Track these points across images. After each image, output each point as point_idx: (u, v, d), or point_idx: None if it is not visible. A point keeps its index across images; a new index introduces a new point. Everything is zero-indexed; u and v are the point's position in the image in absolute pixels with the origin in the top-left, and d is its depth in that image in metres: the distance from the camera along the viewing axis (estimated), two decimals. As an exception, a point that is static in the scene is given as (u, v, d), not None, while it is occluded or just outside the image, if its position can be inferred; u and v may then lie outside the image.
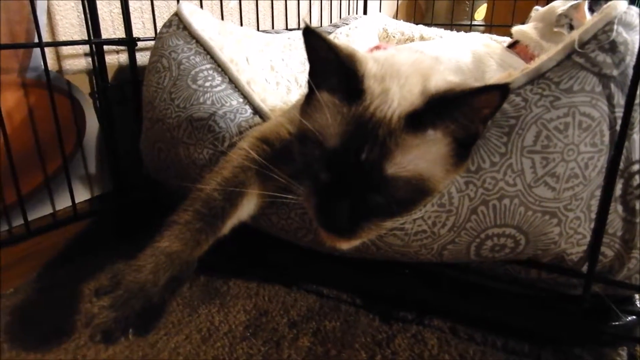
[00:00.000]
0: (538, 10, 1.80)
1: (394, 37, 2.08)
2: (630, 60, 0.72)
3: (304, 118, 0.70)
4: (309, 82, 0.71)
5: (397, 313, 0.94)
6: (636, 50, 0.70)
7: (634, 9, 0.76)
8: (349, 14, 2.37)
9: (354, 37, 1.87)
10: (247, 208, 0.81)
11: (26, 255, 1.06)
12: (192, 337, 0.87)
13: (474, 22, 2.86)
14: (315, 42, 0.67)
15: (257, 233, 0.96)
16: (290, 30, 1.76)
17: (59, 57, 1.13)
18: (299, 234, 0.88)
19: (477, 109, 0.64)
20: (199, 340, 0.86)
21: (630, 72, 0.70)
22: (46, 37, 1.09)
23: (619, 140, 0.71)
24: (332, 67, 0.67)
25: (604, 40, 0.73)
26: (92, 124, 1.22)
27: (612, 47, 0.72)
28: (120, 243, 1.18)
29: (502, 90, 0.62)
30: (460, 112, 0.64)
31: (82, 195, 1.21)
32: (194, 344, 0.85)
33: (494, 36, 1.96)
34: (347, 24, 1.93)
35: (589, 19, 0.95)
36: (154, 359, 0.82)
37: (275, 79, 1.38)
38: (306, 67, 0.73)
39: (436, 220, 0.76)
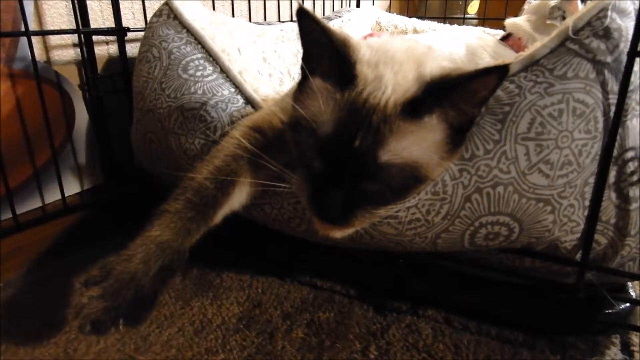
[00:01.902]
0: (531, 2, 1.80)
1: (387, 30, 2.07)
2: (624, 47, 0.72)
3: (297, 105, 0.69)
4: (302, 68, 0.70)
5: (391, 304, 0.94)
6: (630, 36, 0.70)
7: (628, -5, 0.75)
8: (341, 6, 2.35)
9: (347, 29, 1.86)
10: (239, 197, 0.80)
11: (15, 249, 1.04)
12: (185, 330, 0.86)
13: (467, 16, 2.86)
14: (309, 25, 0.66)
15: (250, 224, 0.95)
16: (283, 22, 1.74)
17: (47, 48, 1.11)
18: (292, 224, 0.88)
19: (475, 93, 0.64)
20: (191, 333, 0.85)
21: (624, 58, 0.70)
22: (33, 27, 1.07)
23: (613, 127, 0.71)
24: (325, 51, 0.66)
25: (598, 26, 0.72)
26: (82, 115, 1.20)
27: (606, 34, 0.72)
28: (111, 236, 1.16)
29: (500, 73, 0.61)
30: (459, 97, 0.64)
31: (72, 188, 1.20)
32: (187, 336, 0.84)
33: (487, 29, 1.96)
34: (340, 17, 1.92)
35: (582, 7, 0.95)
36: (146, 352, 0.81)
37: (268, 70, 1.36)
38: (299, 59, 0.72)
39: (430, 208, 0.75)
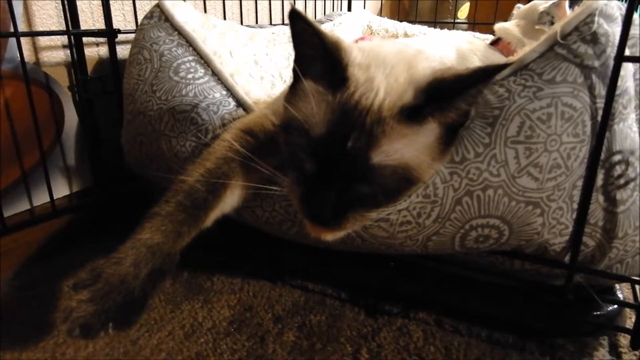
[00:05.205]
0: (520, 7, 1.82)
1: (378, 33, 2.08)
2: (611, 52, 0.73)
3: (289, 107, 0.69)
4: (294, 69, 0.70)
5: (382, 306, 0.94)
6: (617, 41, 0.71)
7: (615, 1, 0.77)
8: (333, 10, 2.36)
9: (339, 33, 1.87)
10: (230, 200, 0.80)
11: (3, 252, 1.03)
12: (175, 334, 0.85)
13: (457, 20, 2.89)
14: (302, 27, 0.66)
15: (241, 227, 0.95)
16: (275, 25, 1.74)
17: (36, 49, 1.10)
18: (283, 227, 0.88)
19: (477, 91, 0.65)
20: (182, 337, 0.85)
21: (611, 63, 0.71)
22: (22, 27, 1.06)
23: (601, 130, 0.72)
24: (317, 53, 0.67)
25: (585, 31, 0.74)
26: (71, 117, 1.19)
27: (594, 39, 0.73)
28: (101, 239, 1.15)
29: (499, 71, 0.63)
30: (462, 98, 0.65)
31: (61, 190, 1.19)
32: (177, 340, 0.84)
33: (477, 34, 1.98)
34: (331, 20, 1.92)
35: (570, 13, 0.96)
36: (136, 356, 0.80)
37: (259, 73, 1.36)
38: (290, 62, 0.72)
39: (421, 211, 0.76)
